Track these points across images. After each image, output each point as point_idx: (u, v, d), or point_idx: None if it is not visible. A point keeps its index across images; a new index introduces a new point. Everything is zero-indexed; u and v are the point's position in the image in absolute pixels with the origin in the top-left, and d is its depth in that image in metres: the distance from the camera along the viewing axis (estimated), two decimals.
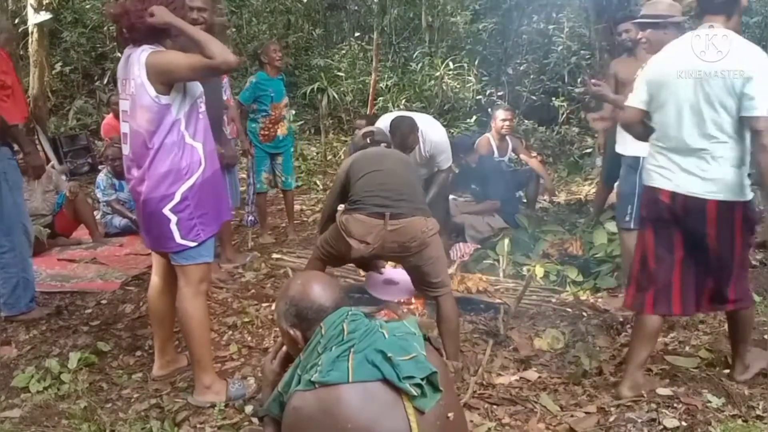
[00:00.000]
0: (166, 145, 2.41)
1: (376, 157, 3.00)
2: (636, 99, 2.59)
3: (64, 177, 5.90)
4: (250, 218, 5.21)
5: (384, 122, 4.10)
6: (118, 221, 5.41)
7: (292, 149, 5.35)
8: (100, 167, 6.29)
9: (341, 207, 3.01)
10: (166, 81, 2.38)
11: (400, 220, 2.74)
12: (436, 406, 1.54)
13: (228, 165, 4.28)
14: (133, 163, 2.50)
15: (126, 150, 2.53)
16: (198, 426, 2.51)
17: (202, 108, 2.55)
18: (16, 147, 3.51)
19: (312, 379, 1.52)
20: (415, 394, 1.51)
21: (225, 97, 4.36)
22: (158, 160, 2.41)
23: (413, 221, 2.75)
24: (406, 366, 1.52)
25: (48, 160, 6.92)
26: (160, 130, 2.40)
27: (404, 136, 3.78)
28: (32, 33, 7.20)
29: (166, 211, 2.44)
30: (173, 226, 2.46)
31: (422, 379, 1.53)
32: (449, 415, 1.58)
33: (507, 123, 5.43)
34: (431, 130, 4.18)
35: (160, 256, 2.70)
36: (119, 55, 10.54)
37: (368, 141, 3.22)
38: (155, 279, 2.77)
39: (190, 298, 2.55)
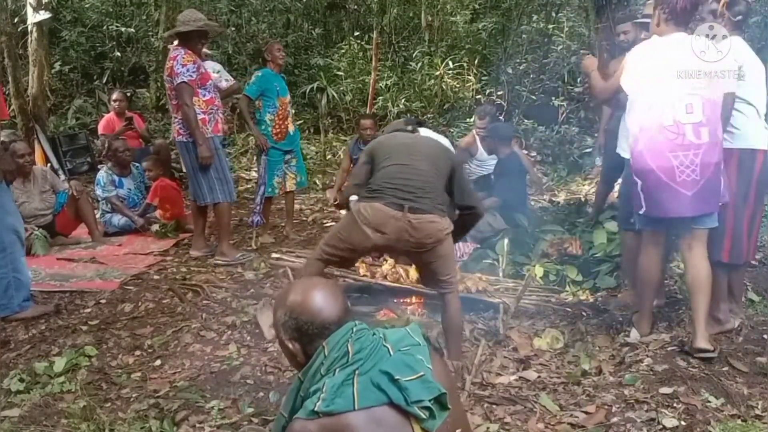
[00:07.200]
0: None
1: (406, 147, 2.87)
2: None
3: (63, 177, 5.89)
4: (256, 218, 5.12)
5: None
6: (117, 220, 5.41)
7: (300, 145, 5.40)
8: (99, 166, 6.29)
9: (353, 198, 2.96)
10: None
11: (419, 215, 2.69)
12: (443, 424, 1.49)
13: (203, 165, 4.24)
14: (704, 128, 2.79)
15: (694, 118, 2.79)
16: (197, 425, 2.50)
17: None
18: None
19: (315, 408, 1.43)
20: (424, 417, 1.45)
21: (210, 96, 4.31)
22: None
23: (432, 218, 2.71)
24: (413, 388, 1.46)
25: (47, 159, 6.91)
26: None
27: None
28: (31, 32, 7.18)
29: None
30: (722, 183, 2.83)
31: (430, 401, 1.47)
32: (457, 431, 1.55)
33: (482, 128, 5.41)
34: None
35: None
36: (118, 54, 10.44)
37: (410, 129, 3.08)
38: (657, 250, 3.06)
39: (704, 258, 2.88)
